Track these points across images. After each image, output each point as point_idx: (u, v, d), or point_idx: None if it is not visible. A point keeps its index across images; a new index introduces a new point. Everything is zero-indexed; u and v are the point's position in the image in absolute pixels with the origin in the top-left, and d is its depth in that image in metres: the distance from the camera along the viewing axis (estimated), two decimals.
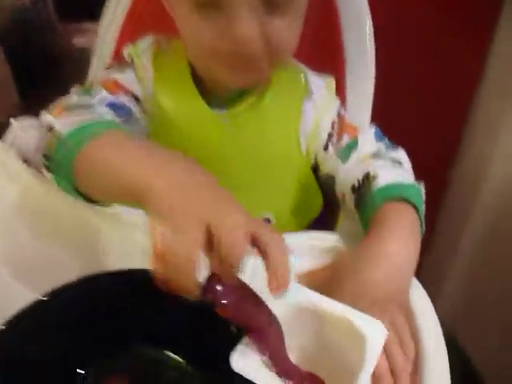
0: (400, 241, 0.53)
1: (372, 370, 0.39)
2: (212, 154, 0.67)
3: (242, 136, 0.69)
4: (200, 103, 0.67)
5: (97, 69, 0.89)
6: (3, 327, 0.39)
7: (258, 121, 0.69)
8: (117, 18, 0.86)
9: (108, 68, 0.70)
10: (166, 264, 0.36)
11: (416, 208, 0.57)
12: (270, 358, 0.40)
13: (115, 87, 0.64)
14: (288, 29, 0.59)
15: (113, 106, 0.61)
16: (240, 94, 0.68)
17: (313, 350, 0.44)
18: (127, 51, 0.68)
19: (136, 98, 0.66)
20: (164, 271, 0.36)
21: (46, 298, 0.42)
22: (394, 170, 0.64)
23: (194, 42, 0.61)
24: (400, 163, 0.65)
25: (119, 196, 0.45)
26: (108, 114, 0.58)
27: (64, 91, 0.62)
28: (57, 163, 0.50)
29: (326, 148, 0.70)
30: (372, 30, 0.82)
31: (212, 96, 0.68)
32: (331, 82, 0.73)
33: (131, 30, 0.86)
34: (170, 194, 0.39)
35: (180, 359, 0.46)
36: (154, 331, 0.44)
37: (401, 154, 0.68)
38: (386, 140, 0.70)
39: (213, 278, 0.37)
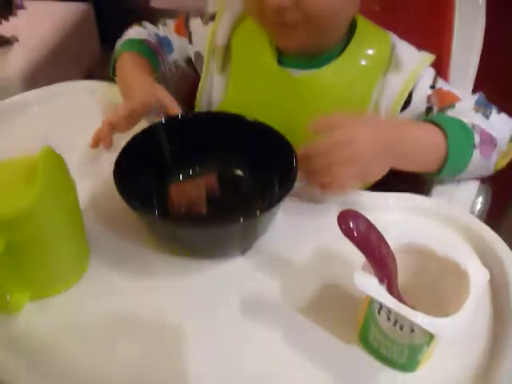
0: (409, 130, 0.64)
1: (473, 308, 0.43)
2: (277, 108, 0.72)
3: (311, 98, 0.72)
4: (272, 60, 0.72)
5: None
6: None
7: (327, 86, 0.71)
8: None
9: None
10: None
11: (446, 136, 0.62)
12: (387, 285, 0.44)
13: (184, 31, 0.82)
14: None
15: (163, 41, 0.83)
16: (314, 61, 0.71)
17: (413, 285, 0.48)
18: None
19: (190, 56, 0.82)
20: None
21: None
22: (466, 115, 0.66)
23: (245, 8, 0.72)
24: (486, 116, 0.67)
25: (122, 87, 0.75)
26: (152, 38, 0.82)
27: None
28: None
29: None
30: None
31: (288, 58, 0.72)
32: (429, 57, 0.71)
33: None
34: None
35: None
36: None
37: (500, 115, 0.69)
38: (490, 108, 0.69)
39: (346, 213, 0.44)
